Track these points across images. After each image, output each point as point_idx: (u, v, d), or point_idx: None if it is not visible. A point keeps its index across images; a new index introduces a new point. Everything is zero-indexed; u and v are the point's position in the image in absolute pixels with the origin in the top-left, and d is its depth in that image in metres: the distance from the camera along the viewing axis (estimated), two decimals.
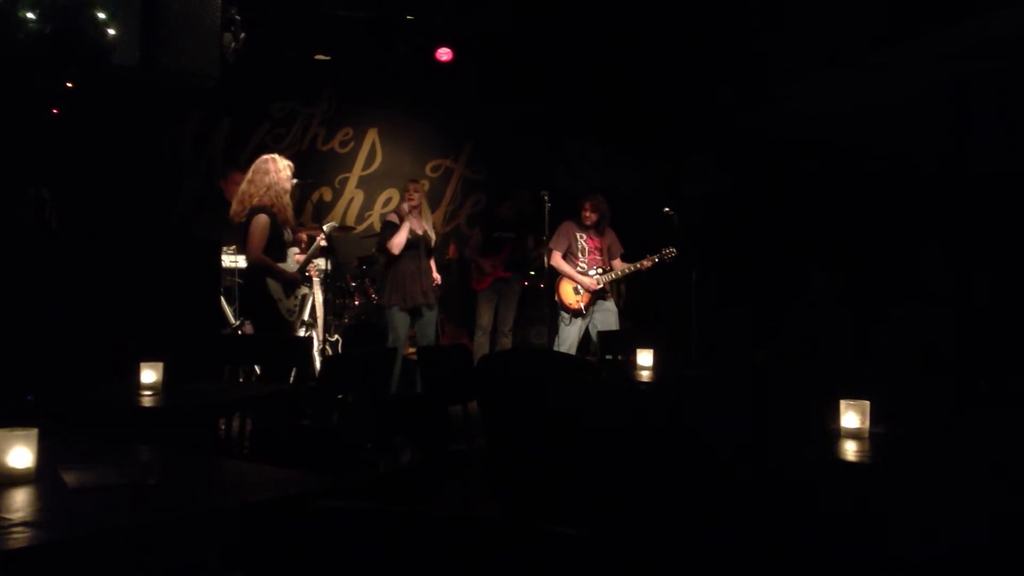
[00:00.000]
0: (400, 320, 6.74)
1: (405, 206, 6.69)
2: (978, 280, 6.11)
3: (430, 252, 6.86)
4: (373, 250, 7.80)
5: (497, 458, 3.62)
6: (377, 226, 8.57)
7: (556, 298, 7.05)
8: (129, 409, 3.15)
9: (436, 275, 6.95)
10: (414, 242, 6.66)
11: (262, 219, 5.15)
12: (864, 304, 6.92)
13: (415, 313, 6.77)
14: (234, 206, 5.27)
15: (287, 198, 5.20)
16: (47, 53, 4.25)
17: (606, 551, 1.47)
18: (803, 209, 8.28)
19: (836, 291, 7.43)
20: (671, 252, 6.79)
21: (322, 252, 5.69)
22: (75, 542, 1.66)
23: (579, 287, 6.97)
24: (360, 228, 8.72)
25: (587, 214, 6.97)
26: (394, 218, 6.79)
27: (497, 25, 8.20)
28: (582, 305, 6.94)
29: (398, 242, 6.59)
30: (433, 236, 6.90)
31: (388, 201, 8.92)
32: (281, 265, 5.30)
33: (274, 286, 5.22)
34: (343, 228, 8.05)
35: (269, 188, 5.18)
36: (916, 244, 6.77)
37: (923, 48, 6.64)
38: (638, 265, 6.85)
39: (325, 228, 5.92)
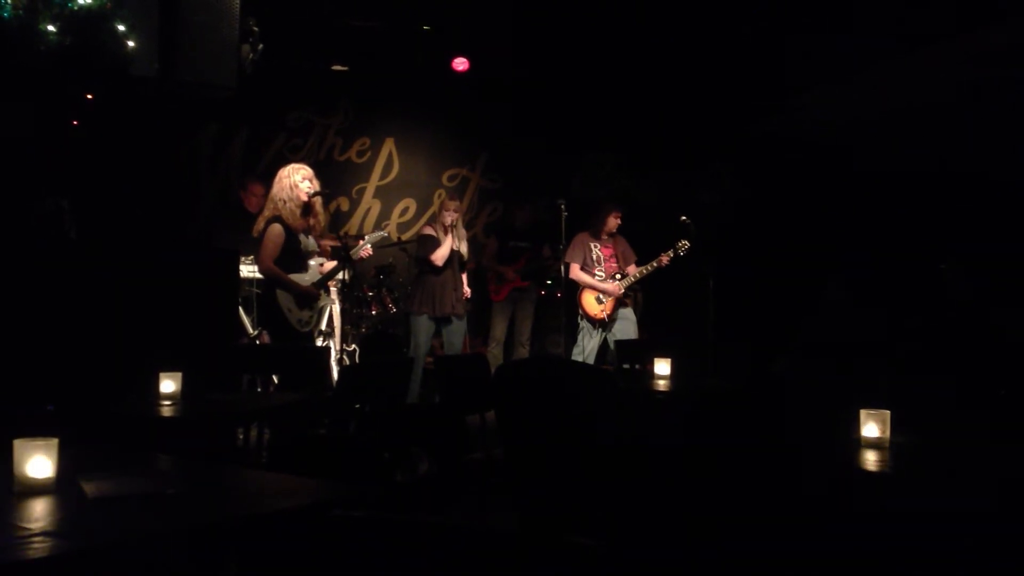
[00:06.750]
0: (425, 327, 6.79)
1: (447, 216, 6.73)
2: (997, 288, 6.06)
3: (462, 266, 6.93)
4: (389, 260, 7.81)
5: (514, 468, 3.62)
6: (395, 236, 8.59)
7: (579, 310, 7.07)
8: (148, 419, 3.17)
9: (467, 288, 7.01)
10: (448, 256, 6.73)
11: (274, 229, 5.17)
12: (882, 313, 6.88)
13: (443, 321, 6.81)
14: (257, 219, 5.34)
15: (292, 206, 5.20)
16: (67, 65, 4.28)
17: (624, 562, 1.46)
18: (820, 218, 8.23)
19: (854, 300, 7.38)
20: (684, 245, 6.84)
21: (341, 262, 5.69)
22: (95, 552, 1.66)
23: (601, 296, 6.98)
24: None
25: (615, 222, 7.03)
26: (430, 231, 6.87)
27: (513, 34, 8.21)
28: (606, 314, 6.97)
29: (442, 254, 6.69)
30: (465, 253, 6.94)
31: (405, 211, 8.93)
32: (299, 276, 5.30)
33: (283, 297, 5.23)
34: (390, 245, 7.99)
35: (276, 197, 5.22)
36: (935, 252, 6.72)
37: (940, 56, 6.60)
38: (654, 264, 6.89)
39: (368, 238, 5.98)
